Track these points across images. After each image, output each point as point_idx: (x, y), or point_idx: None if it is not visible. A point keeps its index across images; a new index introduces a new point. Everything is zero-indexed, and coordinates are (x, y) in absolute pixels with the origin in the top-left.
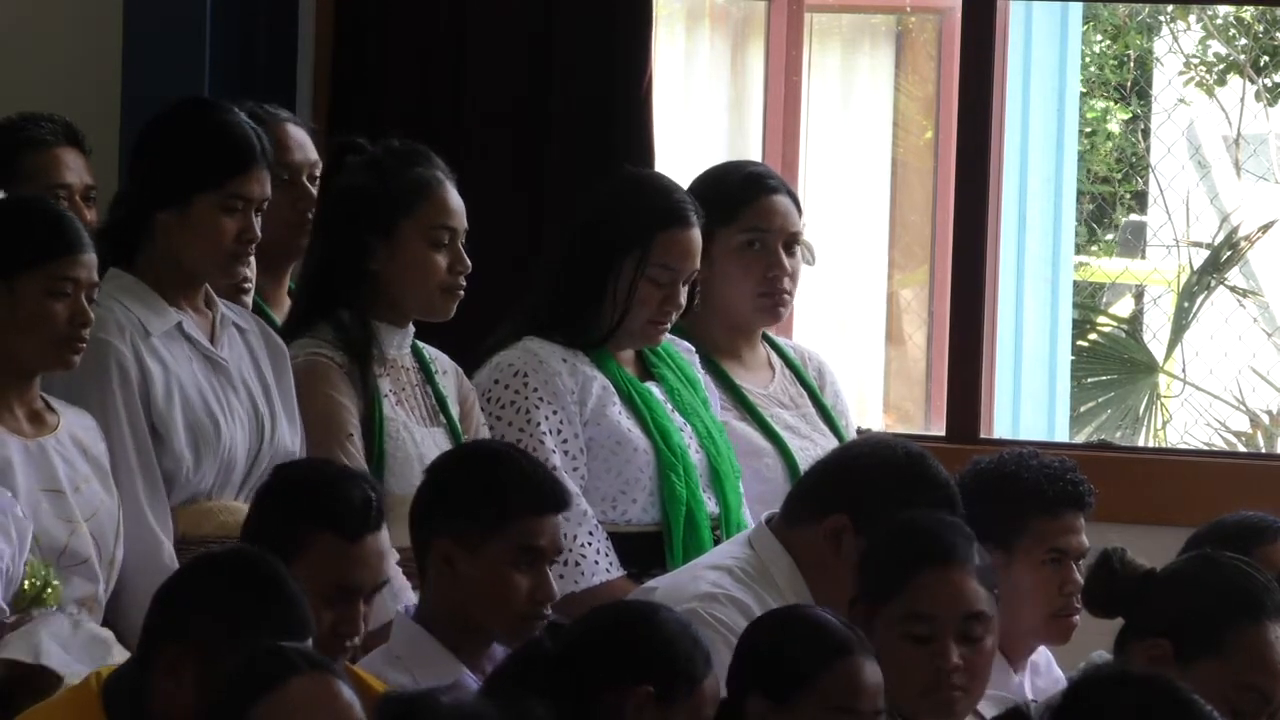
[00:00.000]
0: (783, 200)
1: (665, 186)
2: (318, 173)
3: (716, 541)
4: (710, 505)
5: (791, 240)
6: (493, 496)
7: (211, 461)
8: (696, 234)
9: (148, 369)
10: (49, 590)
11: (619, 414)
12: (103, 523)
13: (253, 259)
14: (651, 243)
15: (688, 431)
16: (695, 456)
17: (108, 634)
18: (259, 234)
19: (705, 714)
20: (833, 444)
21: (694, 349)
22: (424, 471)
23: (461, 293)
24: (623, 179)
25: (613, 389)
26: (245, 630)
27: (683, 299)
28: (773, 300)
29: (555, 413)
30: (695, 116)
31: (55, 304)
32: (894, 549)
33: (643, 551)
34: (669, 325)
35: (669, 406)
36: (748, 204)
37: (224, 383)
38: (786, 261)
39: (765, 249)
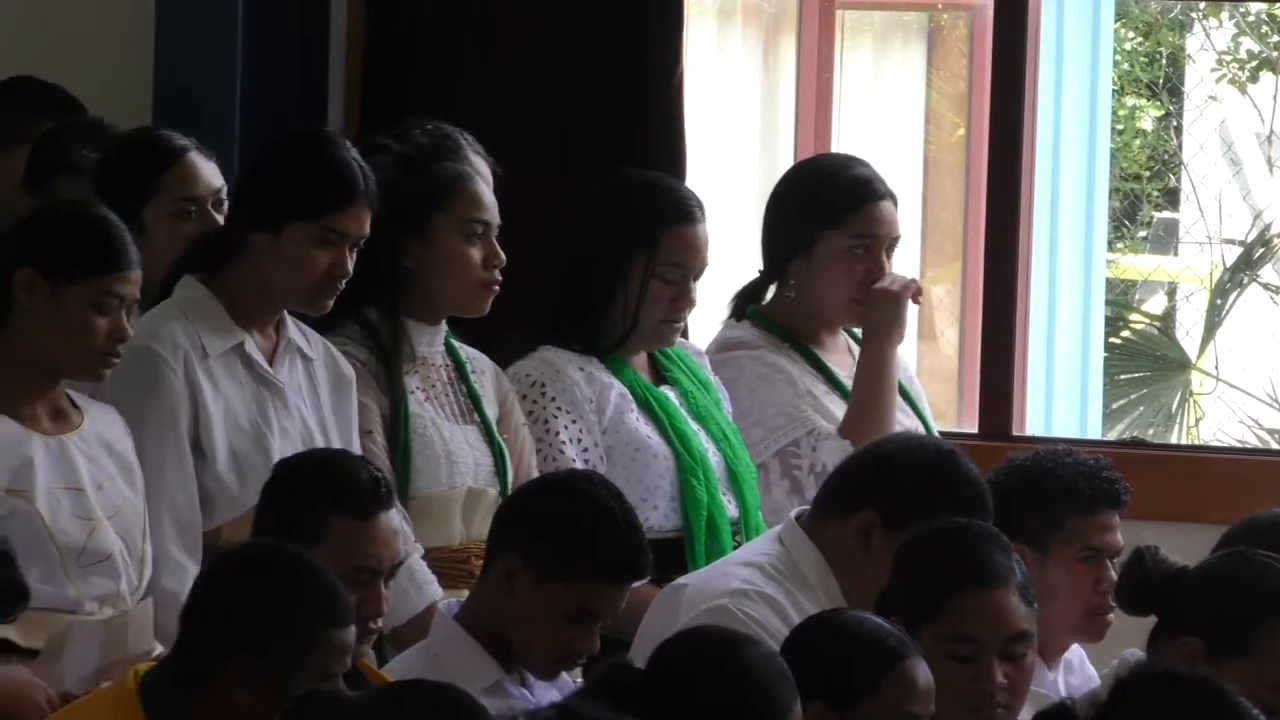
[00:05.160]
0: (889, 207)
1: (668, 185)
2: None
3: (736, 546)
4: (730, 509)
5: (893, 245)
6: (579, 547)
7: (257, 483)
8: (704, 229)
9: (198, 389)
10: None
11: (637, 420)
12: (127, 520)
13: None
14: (659, 241)
15: (703, 434)
16: (713, 459)
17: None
18: (350, 270)
19: None
20: (916, 424)
21: (703, 352)
22: (530, 481)
23: (497, 287)
24: (622, 180)
25: (630, 396)
26: (299, 624)
27: (695, 296)
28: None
29: (574, 422)
30: (727, 112)
31: (97, 318)
32: (933, 569)
33: (664, 558)
34: (682, 324)
35: (684, 410)
36: (856, 210)
37: (278, 405)
38: (887, 267)
39: (870, 255)
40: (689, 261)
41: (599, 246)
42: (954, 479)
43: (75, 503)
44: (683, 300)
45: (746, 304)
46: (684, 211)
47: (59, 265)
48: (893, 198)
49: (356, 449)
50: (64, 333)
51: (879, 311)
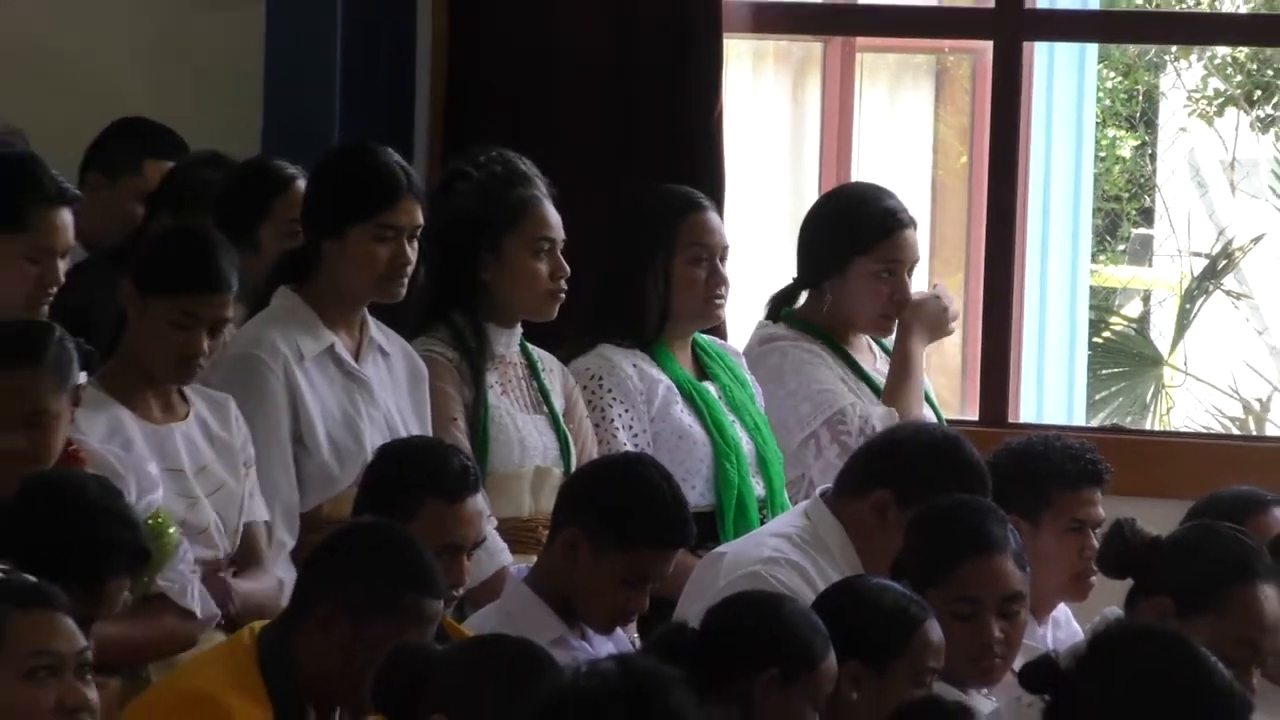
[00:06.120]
0: (911, 234)
1: (675, 186)
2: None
3: (763, 521)
4: (758, 489)
5: (914, 266)
6: (633, 520)
7: (353, 465)
8: (714, 215)
9: (297, 389)
10: (165, 538)
11: (681, 411)
12: (224, 499)
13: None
14: (676, 231)
15: (738, 425)
16: (746, 447)
17: None
18: (412, 259)
19: (824, 690)
20: (928, 411)
21: (740, 353)
22: (589, 462)
23: (563, 295)
24: (638, 189)
25: (675, 390)
26: (393, 592)
27: (726, 275)
28: (890, 320)
29: (626, 410)
30: (760, 142)
31: (176, 333)
32: (941, 538)
33: (700, 529)
34: (724, 302)
35: (723, 403)
36: (884, 239)
37: (366, 397)
38: (908, 285)
39: (895, 278)
40: (709, 240)
41: (625, 246)
42: (959, 462)
43: (175, 482)
44: (716, 278)
45: (780, 307)
46: (692, 201)
47: (148, 279)
48: (914, 225)
49: (429, 432)
50: (149, 342)
51: (929, 319)
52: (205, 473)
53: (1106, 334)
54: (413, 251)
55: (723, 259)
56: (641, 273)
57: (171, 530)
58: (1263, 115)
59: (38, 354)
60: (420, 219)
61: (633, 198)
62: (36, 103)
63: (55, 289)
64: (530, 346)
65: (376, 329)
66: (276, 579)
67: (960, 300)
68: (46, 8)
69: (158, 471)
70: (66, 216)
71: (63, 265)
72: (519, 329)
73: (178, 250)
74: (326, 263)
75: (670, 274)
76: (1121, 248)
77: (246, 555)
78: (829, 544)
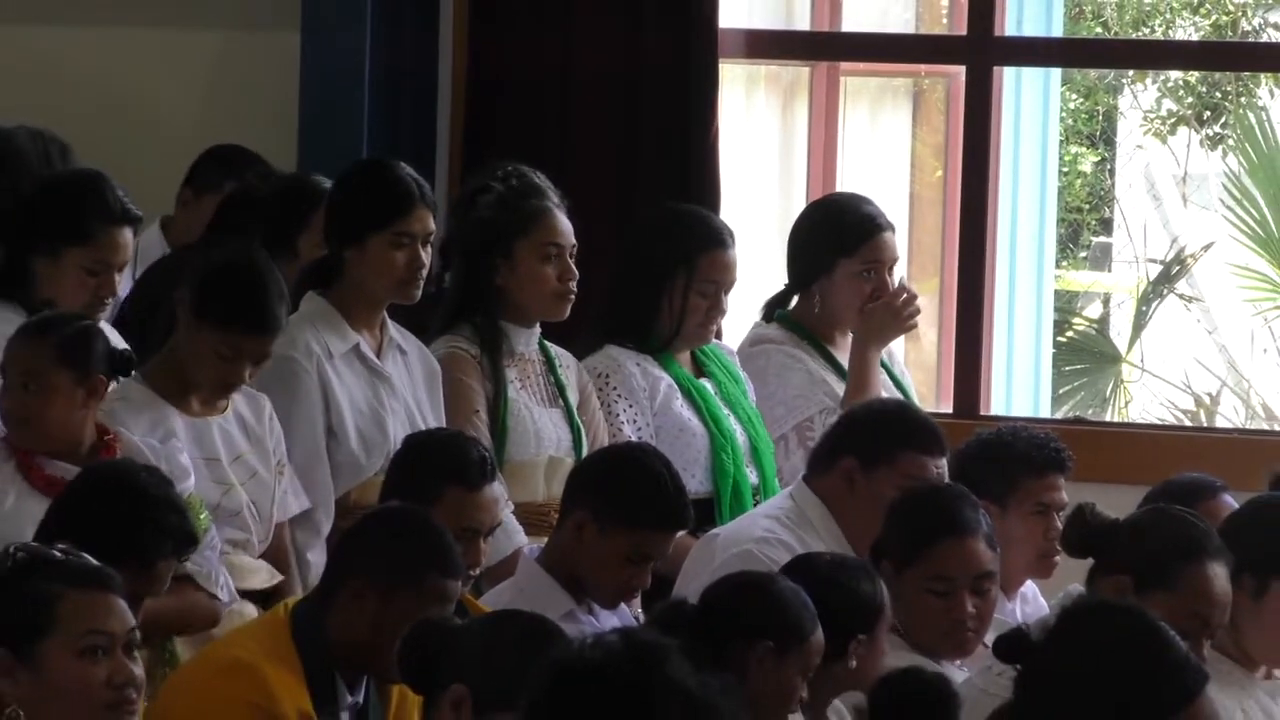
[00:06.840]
0: (890, 237)
1: (703, 215)
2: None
3: (757, 505)
4: (752, 477)
5: (893, 266)
6: (636, 503)
7: (379, 454)
8: (733, 253)
9: (329, 385)
10: (195, 523)
11: (681, 407)
12: (257, 487)
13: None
14: (697, 262)
15: (733, 418)
16: (740, 438)
17: (259, 563)
18: (426, 263)
19: (813, 663)
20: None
21: (734, 351)
22: (596, 451)
23: (572, 297)
24: (664, 211)
25: (675, 387)
26: (417, 571)
27: (726, 306)
28: None
29: (631, 406)
30: (753, 159)
31: (221, 362)
32: (917, 522)
33: (699, 514)
34: (716, 327)
35: (718, 398)
36: (865, 241)
37: (389, 391)
38: (890, 283)
39: (877, 276)
40: (722, 278)
41: (646, 264)
42: (909, 419)
43: (211, 470)
44: (716, 310)
45: (774, 309)
46: (717, 238)
47: (203, 306)
48: (892, 228)
49: (444, 424)
50: (195, 361)
51: (877, 327)
52: (240, 461)
53: (1070, 333)
54: (427, 256)
55: (727, 291)
56: (658, 290)
57: (202, 515)
58: (1211, 134)
59: (48, 331)
60: (433, 226)
61: (661, 217)
62: (100, 127)
63: (110, 299)
64: (548, 344)
65: (395, 330)
66: (296, 582)
67: (936, 302)
68: (110, 45)
69: (190, 461)
70: (128, 235)
71: (119, 279)
72: (537, 328)
73: (234, 287)
74: (349, 269)
75: (686, 299)
76: (1083, 254)
77: (273, 554)
78: (813, 521)
